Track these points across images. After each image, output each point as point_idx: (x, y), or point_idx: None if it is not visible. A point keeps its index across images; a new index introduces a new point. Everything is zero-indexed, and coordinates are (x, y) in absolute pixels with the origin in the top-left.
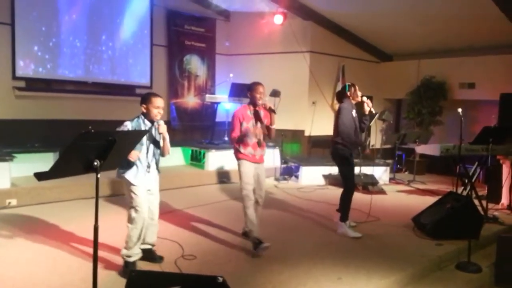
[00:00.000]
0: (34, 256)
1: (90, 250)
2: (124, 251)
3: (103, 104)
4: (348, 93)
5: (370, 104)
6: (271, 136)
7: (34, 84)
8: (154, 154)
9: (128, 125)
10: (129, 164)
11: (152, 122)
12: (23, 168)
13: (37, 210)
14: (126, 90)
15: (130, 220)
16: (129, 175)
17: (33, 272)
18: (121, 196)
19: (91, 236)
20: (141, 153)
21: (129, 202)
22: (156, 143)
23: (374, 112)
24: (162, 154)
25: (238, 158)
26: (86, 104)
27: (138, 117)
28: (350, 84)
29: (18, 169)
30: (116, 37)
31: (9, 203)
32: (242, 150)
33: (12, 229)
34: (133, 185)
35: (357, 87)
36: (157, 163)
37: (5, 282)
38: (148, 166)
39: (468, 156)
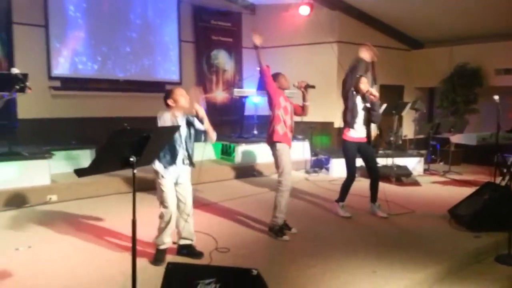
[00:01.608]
0: (75, 250)
1: (128, 244)
2: (155, 239)
3: (134, 101)
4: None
5: (371, 92)
6: (306, 113)
7: (69, 84)
8: (186, 147)
9: (165, 116)
10: (166, 158)
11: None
12: (61, 165)
13: (77, 205)
14: (156, 87)
15: (160, 215)
16: (160, 165)
17: (74, 266)
18: (153, 191)
19: (129, 230)
20: (176, 148)
21: (159, 197)
22: (189, 135)
23: (376, 99)
24: (211, 140)
25: (277, 141)
26: (119, 101)
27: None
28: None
29: (57, 166)
30: (145, 35)
31: (50, 198)
32: (282, 130)
33: (54, 224)
34: (162, 177)
35: (361, 79)
36: (189, 156)
37: (49, 276)
38: (181, 158)
39: (506, 145)
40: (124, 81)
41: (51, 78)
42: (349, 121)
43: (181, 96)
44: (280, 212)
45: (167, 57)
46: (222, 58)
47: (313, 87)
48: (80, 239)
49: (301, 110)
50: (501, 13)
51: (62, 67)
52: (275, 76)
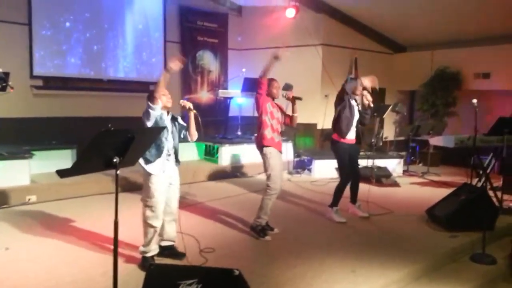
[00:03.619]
0: (55, 251)
1: (110, 245)
2: (141, 248)
3: (118, 101)
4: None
5: (369, 98)
6: (294, 123)
7: (51, 83)
8: (174, 142)
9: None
10: (150, 152)
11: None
12: (42, 165)
13: (57, 206)
14: (140, 86)
15: (146, 218)
16: (149, 165)
17: (54, 267)
18: (137, 191)
19: (110, 231)
20: (162, 141)
21: (145, 200)
22: (174, 131)
23: (372, 106)
24: (191, 137)
25: (265, 145)
26: (102, 101)
27: None
28: (350, 78)
29: (37, 166)
30: (130, 35)
31: (29, 199)
32: (269, 134)
33: (33, 224)
34: (153, 174)
35: (357, 81)
36: (176, 152)
37: (28, 276)
38: (169, 154)
39: (483, 147)
40: (108, 80)
41: (33, 77)
42: (344, 130)
43: (163, 96)
44: (265, 213)
45: (152, 57)
46: (208, 59)
47: (300, 99)
48: (61, 240)
49: (289, 120)
50: (481, 20)
51: (44, 66)
52: (268, 83)
